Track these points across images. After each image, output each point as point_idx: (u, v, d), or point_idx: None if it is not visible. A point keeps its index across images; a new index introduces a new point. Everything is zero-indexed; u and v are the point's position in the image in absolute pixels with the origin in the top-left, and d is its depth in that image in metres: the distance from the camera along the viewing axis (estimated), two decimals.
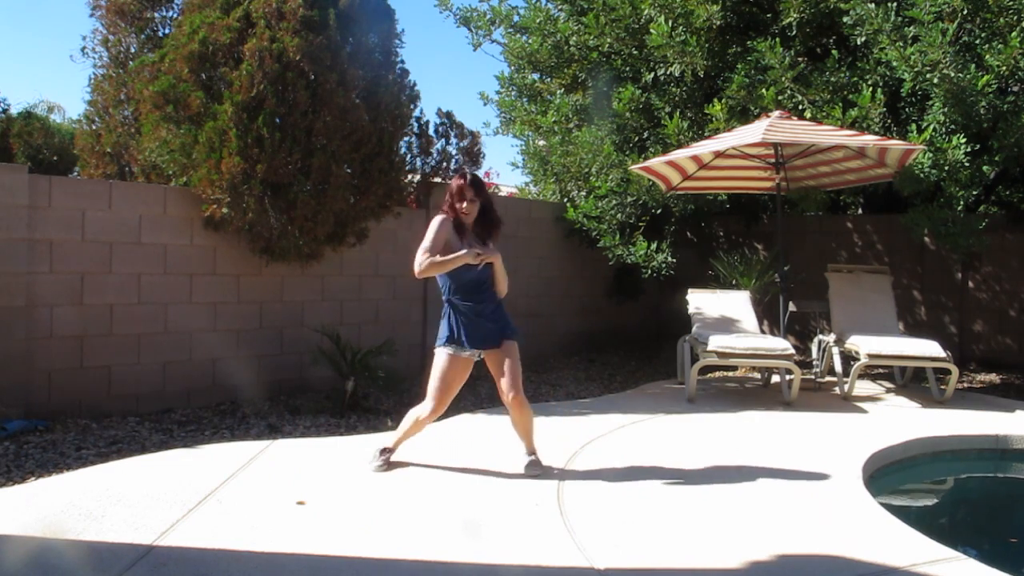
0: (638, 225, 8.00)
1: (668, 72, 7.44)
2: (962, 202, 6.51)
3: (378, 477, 4.02)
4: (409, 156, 7.09)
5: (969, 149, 6.31)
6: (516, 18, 8.75)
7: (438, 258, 3.90)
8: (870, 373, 7.79)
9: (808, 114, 6.79)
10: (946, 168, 6.34)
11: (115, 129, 6.27)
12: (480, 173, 9.60)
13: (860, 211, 10.44)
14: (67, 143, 8.91)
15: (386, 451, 4.19)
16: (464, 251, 3.92)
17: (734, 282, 8.00)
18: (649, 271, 7.66)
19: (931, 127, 6.43)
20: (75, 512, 3.36)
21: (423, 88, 10.54)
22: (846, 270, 7.45)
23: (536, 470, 4.09)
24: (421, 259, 3.90)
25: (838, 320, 6.96)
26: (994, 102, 6.26)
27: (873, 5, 6.42)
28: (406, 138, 6.93)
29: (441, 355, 4.04)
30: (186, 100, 5.41)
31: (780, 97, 6.83)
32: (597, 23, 7.65)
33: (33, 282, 5.02)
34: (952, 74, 6.08)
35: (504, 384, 4.04)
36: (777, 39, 6.84)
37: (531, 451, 4.16)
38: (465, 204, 3.98)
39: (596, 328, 9.22)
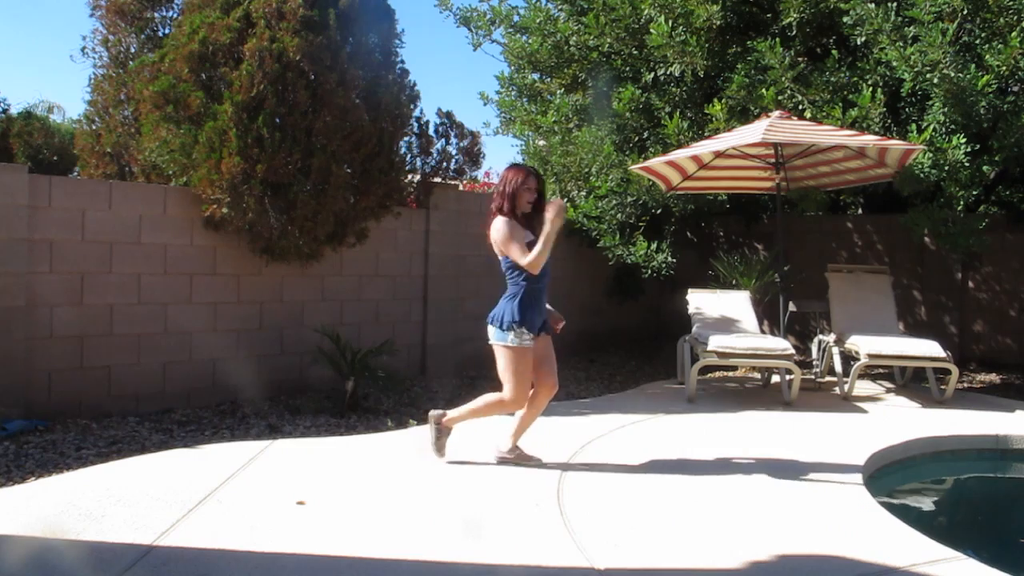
0: (638, 225, 8.00)
1: (668, 72, 7.44)
2: (962, 202, 6.51)
3: (377, 477, 4.02)
4: (409, 156, 7.09)
5: (969, 149, 6.31)
6: (516, 18, 8.74)
7: (538, 246, 3.98)
8: (870, 373, 7.79)
9: (808, 114, 6.79)
10: (946, 168, 6.34)
11: (115, 129, 6.27)
12: (480, 173, 9.59)
13: (860, 211, 10.44)
14: (67, 143, 8.92)
15: (442, 422, 4.38)
16: (547, 227, 3.96)
17: (734, 282, 8.00)
18: (649, 271, 7.66)
19: (931, 127, 6.43)
20: (75, 512, 3.36)
21: (423, 88, 10.52)
22: (846, 270, 7.45)
23: (510, 455, 4.37)
24: (529, 256, 3.98)
25: (838, 320, 6.96)
26: (994, 102, 6.26)
27: (873, 5, 6.42)
28: (406, 138, 6.93)
29: (512, 346, 4.04)
30: (186, 100, 5.41)
31: (780, 97, 6.83)
32: (597, 23, 7.65)
33: (33, 282, 5.01)
34: (952, 74, 6.08)
35: (546, 370, 4.20)
36: (777, 39, 6.84)
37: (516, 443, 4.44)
38: (530, 194, 4.14)
39: (596, 328, 9.21)
